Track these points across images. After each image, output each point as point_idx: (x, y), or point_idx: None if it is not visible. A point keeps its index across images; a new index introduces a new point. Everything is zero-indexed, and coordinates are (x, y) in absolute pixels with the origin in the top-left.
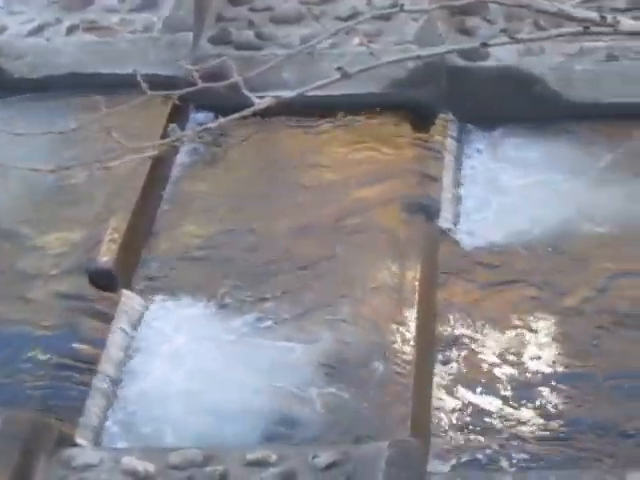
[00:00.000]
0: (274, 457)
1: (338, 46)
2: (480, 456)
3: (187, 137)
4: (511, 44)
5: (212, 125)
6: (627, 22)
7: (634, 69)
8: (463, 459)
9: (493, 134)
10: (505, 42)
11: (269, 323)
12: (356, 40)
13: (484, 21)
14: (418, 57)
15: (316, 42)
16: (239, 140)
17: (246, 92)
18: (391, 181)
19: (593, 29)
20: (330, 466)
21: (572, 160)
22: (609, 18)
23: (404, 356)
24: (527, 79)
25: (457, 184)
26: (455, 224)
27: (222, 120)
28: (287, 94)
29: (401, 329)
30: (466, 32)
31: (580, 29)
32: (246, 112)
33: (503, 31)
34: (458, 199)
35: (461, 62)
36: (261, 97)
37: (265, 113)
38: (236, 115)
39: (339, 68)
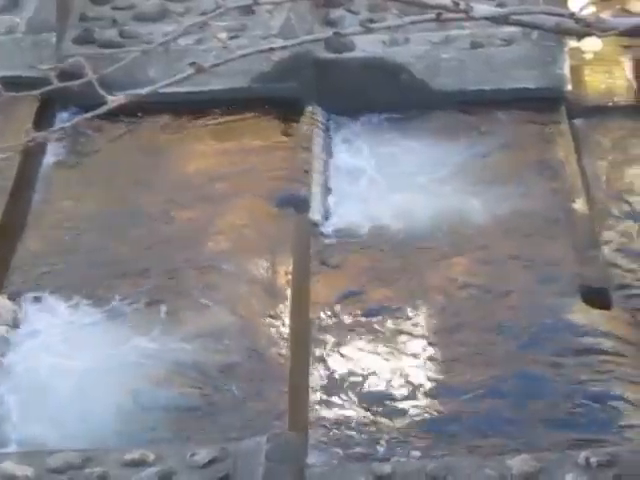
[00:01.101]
0: (152, 457)
1: (204, 42)
2: (359, 447)
3: (41, 137)
4: (365, 33)
5: (66, 125)
6: (480, 8)
7: (499, 56)
8: (342, 451)
9: (361, 125)
10: (358, 32)
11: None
12: (223, 35)
13: (348, 12)
14: (271, 49)
15: (171, 38)
16: (109, 139)
17: (100, 90)
18: (260, 175)
19: (446, 16)
20: (209, 463)
21: (438, 149)
22: (462, 4)
23: (280, 350)
24: (393, 69)
25: (326, 176)
26: (324, 217)
27: (76, 119)
28: (139, 91)
29: (275, 323)
30: (331, 24)
31: (433, 16)
32: (99, 111)
33: (367, 22)
34: (327, 191)
35: (327, 54)
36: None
37: (140, 112)
38: (89, 114)
39: (193, 63)
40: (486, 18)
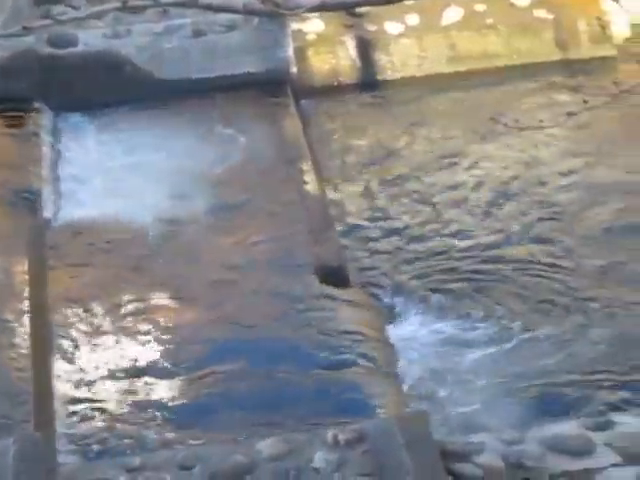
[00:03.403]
0: None
1: None
2: (109, 442)
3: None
4: (56, 25)
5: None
6: None
7: (222, 42)
8: (94, 448)
9: (89, 119)
10: (46, 24)
11: None
12: None
13: (69, 7)
14: None
15: None
16: None
17: None
18: None
19: (133, 3)
20: None
21: (167, 139)
22: None
23: (20, 350)
24: (116, 62)
25: (56, 173)
26: (56, 212)
27: None
28: None
29: (14, 325)
30: (53, 19)
31: (119, 4)
32: None
33: (88, 17)
34: (58, 187)
35: (50, 50)
36: None
37: None
38: None
39: None
40: (175, 4)
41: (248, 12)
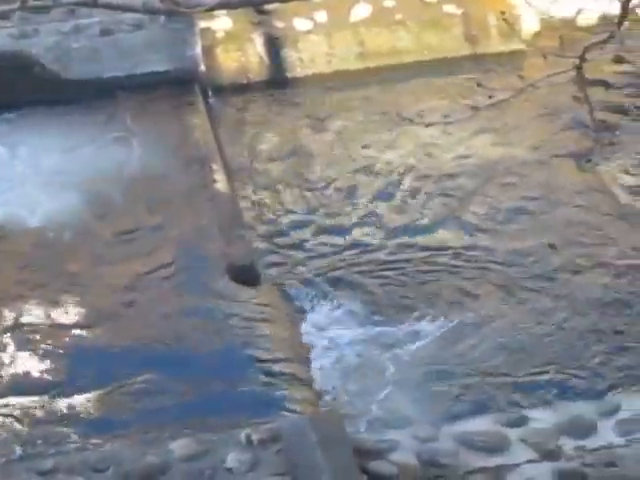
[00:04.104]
0: None
1: None
2: (19, 448)
3: None
4: None
5: None
6: None
7: (129, 41)
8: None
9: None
10: None
11: None
12: None
13: None
14: None
15: None
16: None
17: None
18: None
19: (33, 3)
20: None
21: (71, 141)
22: None
23: None
24: (25, 62)
25: None
26: None
27: None
28: None
29: None
30: None
31: (18, 4)
32: None
33: None
34: None
35: None
36: None
37: None
38: None
39: None
40: (75, 3)
41: (148, 11)
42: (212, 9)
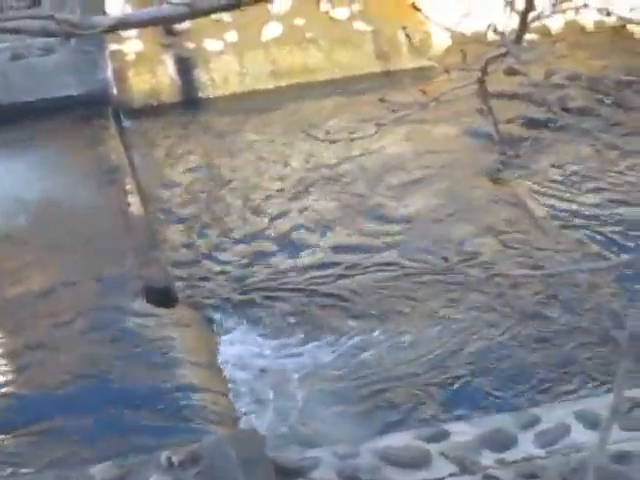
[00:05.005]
0: None
1: None
2: None
3: None
4: None
5: None
6: None
7: (40, 65)
8: None
9: None
10: None
11: None
12: None
13: None
14: None
15: None
16: None
17: None
18: None
19: None
20: None
21: None
22: None
23: None
24: None
25: None
26: None
27: None
28: None
29: None
30: None
31: None
32: None
33: None
34: None
35: None
36: None
37: None
38: None
39: None
40: None
41: (47, 34)
42: (110, 30)
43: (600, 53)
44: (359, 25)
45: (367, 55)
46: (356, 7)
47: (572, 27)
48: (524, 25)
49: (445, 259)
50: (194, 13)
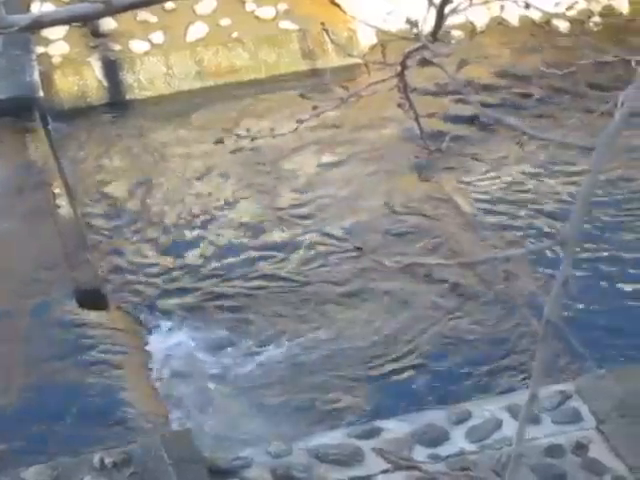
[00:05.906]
0: None
1: None
2: None
3: None
4: None
5: None
6: None
7: None
8: None
9: None
10: None
11: None
12: None
13: None
14: None
15: None
16: None
17: None
18: None
19: None
20: None
21: None
22: None
23: None
24: None
25: None
26: None
27: None
28: None
29: None
30: None
31: None
32: None
33: None
34: None
35: None
36: None
37: None
38: None
39: None
40: None
41: None
42: (26, 29)
43: (524, 48)
44: (285, 24)
45: (293, 54)
46: (282, 6)
47: (497, 22)
48: (440, 18)
49: (359, 249)
50: (110, 10)
